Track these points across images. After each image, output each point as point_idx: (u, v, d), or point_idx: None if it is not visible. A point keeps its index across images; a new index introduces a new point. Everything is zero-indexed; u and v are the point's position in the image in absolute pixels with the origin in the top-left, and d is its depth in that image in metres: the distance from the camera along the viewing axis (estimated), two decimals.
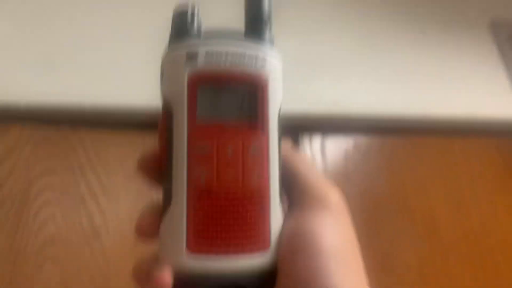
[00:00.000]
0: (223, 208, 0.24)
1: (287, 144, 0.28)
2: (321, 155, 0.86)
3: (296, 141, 0.86)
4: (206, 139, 0.25)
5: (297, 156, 0.28)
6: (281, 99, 0.27)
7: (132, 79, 0.73)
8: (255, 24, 0.27)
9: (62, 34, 0.73)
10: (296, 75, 0.85)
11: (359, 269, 0.27)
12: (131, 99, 0.72)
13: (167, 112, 0.26)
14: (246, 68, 0.25)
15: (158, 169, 0.26)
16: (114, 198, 0.67)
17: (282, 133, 0.27)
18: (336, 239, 0.25)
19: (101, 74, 0.72)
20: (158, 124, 0.27)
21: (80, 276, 0.61)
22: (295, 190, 0.27)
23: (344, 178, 0.85)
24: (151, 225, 0.25)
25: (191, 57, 0.25)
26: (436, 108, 0.95)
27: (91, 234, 0.64)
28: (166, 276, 0.23)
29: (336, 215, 0.26)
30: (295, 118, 0.84)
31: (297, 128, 0.88)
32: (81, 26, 0.74)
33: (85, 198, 0.66)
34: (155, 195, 0.27)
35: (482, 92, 1.02)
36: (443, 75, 1.00)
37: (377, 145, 0.91)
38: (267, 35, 0.27)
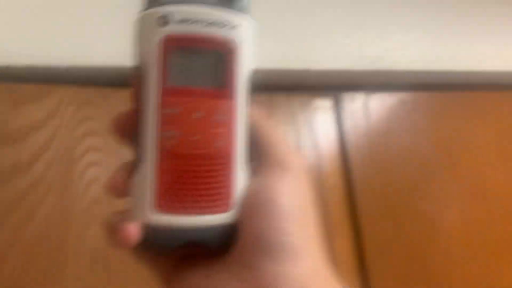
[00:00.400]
0: (189, 169, 0.26)
1: (259, 110, 0.29)
2: (363, 113, 0.83)
3: (336, 101, 0.84)
4: (175, 102, 0.26)
5: (266, 122, 0.29)
6: (252, 66, 0.27)
7: None
8: None
9: None
10: (337, 29, 0.82)
11: (314, 228, 0.27)
12: None
13: (140, 73, 0.26)
14: (217, 33, 0.26)
15: (129, 129, 0.28)
16: None
17: (252, 98, 0.28)
18: (293, 200, 0.26)
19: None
20: (132, 84, 0.28)
21: None
22: (260, 154, 0.28)
23: (387, 136, 0.83)
24: (122, 183, 0.27)
25: (164, 20, 0.25)
26: (483, 62, 0.90)
27: None
28: (134, 228, 0.25)
29: (296, 178, 0.27)
30: (336, 75, 0.82)
31: (338, 87, 0.85)
32: None
33: (127, 158, 0.66)
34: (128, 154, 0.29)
35: None
36: (491, 27, 0.94)
37: (422, 102, 0.87)
38: (240, 2, 0.27)
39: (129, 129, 0.28)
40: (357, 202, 0.77)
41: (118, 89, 0.69)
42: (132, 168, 0.27)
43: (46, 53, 0.67)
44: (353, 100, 0.83)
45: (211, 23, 0.25)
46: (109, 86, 0.69)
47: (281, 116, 0.79)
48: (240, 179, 0.27)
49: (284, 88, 0.82)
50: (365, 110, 0.84)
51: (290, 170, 0.27)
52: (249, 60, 0.27)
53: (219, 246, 0.26)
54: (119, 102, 0.66)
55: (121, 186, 0.27)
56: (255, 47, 0.27)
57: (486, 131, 0.88)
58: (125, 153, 0.64)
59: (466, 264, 0.78)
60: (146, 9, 0.26)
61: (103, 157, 0.65)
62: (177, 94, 0.26)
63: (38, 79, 0.68)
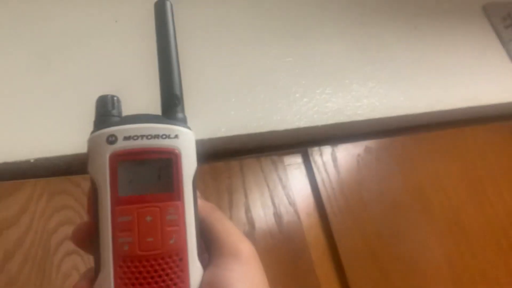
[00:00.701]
0: (145, 270, 0.27)
1: (206, 204, 0.32)
2: (333, 165, 0.85)
3: (305, 156, 0.86)
4: (127, 210, 0.28)
5: (216, 214, 0.32)
6: (195, 166, 0.31)
7: None
8: (169, 107, 0.31)
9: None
10: (296, 90, 0.85)
11: None
12: None
13: (93, 188, 0.29)
14: (160, 145, 0.29)
15: (88, 239, 0.29)
16: None
17: (196, 197, 0.31)
18: (246, 286, 0.28)
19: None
20: (87, 198, 0.31)
21: None
22: (212, 246, 0.30)
23: (359, 184, 0.85)
24: None
25: (111, 139, 0.28)
26: (441, 101, 0.94)
27: None
28: None
29: (247, 266, 0.29)
30: (302, 133, 0.84)
31: (305, 143, 0.87)
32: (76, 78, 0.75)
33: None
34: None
35: (486, 77, 1.01)
36: (443, 67, 1.00)
37: (388, 147, 0.90)
38: (179, 114, 0.31)
39: (88, 239, 0.29)
40: (340, 253, 0.78)
41: (87, 176, 0.70)
42: (92, 275, 0.28)
43: (12, 149, 0.68)
44: (321, 154, 0.86)
45: (154, 136, 0.29)
46: (79, 174, 0.70)
47: (253, 177, 0.80)
48: (195, 272, 0.29)
49: (254, 150, 0.85)
50: (334, 161, 0.86)
51: (242, 259, 0.29)
52: (191, 163, 0.30)
53: None
54: None
55: None
56: (195, 152, 0.30)
57: (452, 166, 0.91)
58: None
59: None
60: (97, 130, 0.30)
61: None
62: (129, 203, 0.28)
63: (7, 176, 0.68)
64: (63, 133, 0.70)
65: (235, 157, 0.83)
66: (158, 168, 0.29)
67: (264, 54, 0.87)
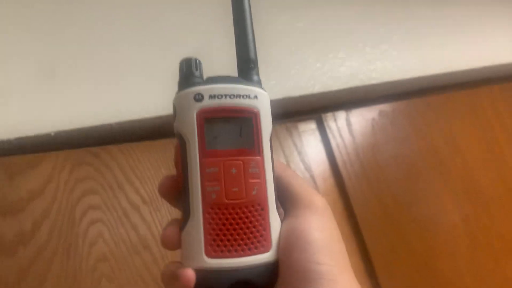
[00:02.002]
0: (231, 217, 0.30)
1: (279, 162, 0.34)
2: (348, 130, 0.85)
3: (319, 122, 0.86)
4: (214, 162, 0.31)
5: (289, 171, 0.35)
6: (271, 126, 0.33)
7: (147, 92, 0.75)
8: (245, 70, 0.34)
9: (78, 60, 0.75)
10: (309, 55, 0.85)
11: (343, 256, 0.31)
12: (152, 111, 0.73)
13: (181, 142, 0.32)
14: (241, 104, 0.32)
15: (175, 191, 0.32)
16: (155, 207, 0.69)
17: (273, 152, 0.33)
18: (323, 235, 0.30)
19: (120, 91, 0.74)
20: (174, 153, 0.33)
21: (137, 287, 0.64)
22: (288, 200, 0.33)
23: (374, 148, 0.85)
24: (173, 237, 0.31)
25: (198, 98, 0.31)
26: (455, 62, 0.93)
27: (140, 245, 0.66)
28: (190, 273, 0.29)
29: (322, 216, 0.32)
30: (316, 98, 0.84)
31: (319, 109, 0.87)
32: (97, 50, 0.76)
33: (128, 212, 0.67)
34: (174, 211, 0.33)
35: (501, 36, 0.99)
36: (457, 26, 0.98)
37: (403, 110, 0.90)
38: (255, 77, 0.34)
39: (173, 191, 0.32)
40: (357, 216, 0.79)
41: (106, 146, 0.71)
42: (180, 223, 0.31)
43: (32, 123, 0.69)
44: (335, 119, 0.86)
45: (236, 96, 0.31)
46: (97, 145, 0.71)
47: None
48: (274, 221, 0.31)
49: None
50: (349, 126, 0.86)
51: (317, 210, 0.32)
52: (268, 122, 0.33)
53: (264, 282, 0.30)
54: (110, 158, 0.69)
55: (173, 238, 0.31)
56: (270, 112, 0.33)
57: (469, 128, 0.91)
58: (124, 207, 0.66)
59: (473, 261, 0.79)
60: (182, 89, 0.32)
61: (103, 214, 0.67)
62: (215, 156, 0.31)
63: (29, 149, 0.70)
64: (81, 105, 0.71)
65: None
66: (240, 125, 0.32)
67: (275, 20, 0.86)
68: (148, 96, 0.75)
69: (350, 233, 0.79)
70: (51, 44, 0.74)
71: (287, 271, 0.30)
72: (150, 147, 0.73)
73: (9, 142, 0.68)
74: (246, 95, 0.32)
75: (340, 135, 0.85)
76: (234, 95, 0.31)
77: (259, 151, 0.32)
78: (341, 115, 0.87)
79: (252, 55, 0.34)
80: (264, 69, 0.80)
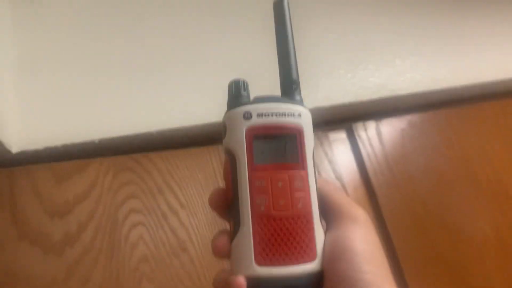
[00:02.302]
0: (279, 228, 0.32)
1: (322, 177, 0.34)
2: (378, 139, 0.87)
3: (350, 132, 0.88)
4: (262, 176, 0.32)
5: (330, 186, 0.36)
6: (313, 142, 0.35)
7: (190, 102, 0.78)
8: (288, 90, 0.36)
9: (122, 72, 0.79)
10: (339, 66, 0.87)
11: (385, 266, 0.32)
12: (190, 120, 0.77)
13: (231, 157, 0.34)
14: (287, 121, 0.34)
15: (224, 203, 0.34)
16: (193, 211, 0.72)
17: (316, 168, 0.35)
18: (365, 246, 0.32)
19: (159, 101, 0.78)
20: (223, 168, 0.35)
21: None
22: (330, 212, 0.34)
23: (404, 158, 0.86)
24: (223, 246, 0.33)
25: (247, 116, 0.33)
26: (484, 73, 0.94)
27: (178, 248, 0.69)
28: (242, 280, 0.30)
29: (364, 228, 0.33)
30: (346, 108, 0.87)
31: (349, 118, 0.89)
32: (138, 61, 0.80)
33: (167, 215, 0.71)
34: (224, 223, 0.35)
35: None
36: (486, 39, 0.99)
37: (432, 120, 0.91)
38: (297, 96, 0.36)
39: (222, 203, 0.34)
40: (388, 225, 0.80)
41: (147, 154, 0.75)
42: (230, 233, 0.33)
43: (78, 131, 0.73)
44: (365, 129, 0.88)
45: (282, 114, 0.33)
46: (138, 152, 0.75)
47: None
48: (319, 233, 0.33)
49: None
50: (379, 136, 0.88)
51: (359, 222, 0.33)
52: (311, 138, 0.35)
53: None
54: (151, 165, 0.72)
55: (224, 247, 0.33)
56: (312, 129, 0.35)
57: (498, 139, 0.91)
58: (163, 211, 0.69)
59: (504, 271, 0.79)
60: (232, 108, 0.35)
61: (143, 217, 0.70)
62: (263, 170, 0.33)
63: (75, 155, 0.74)
64: (123, 113, 0.75)
65: None
66: (285, 141, 0.34)
67: (308, 30, 0.89)
68: (187, 107, 0.78)
69: (380, 241, 0.80)
70: (101, 53, 0.79)
71: (333, 280, 0.31)
72: (187, 154, 0.76)
73: (56, 148, 0.72)
74: (291, 113, 0.34)
75: (371, 144, 0.86)
76: (279, 113, 0.33)
77: (303, 165, 0.33)
78: (371, 125, 0.89)
79: (294, 76, 0.37)
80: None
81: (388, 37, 0.92)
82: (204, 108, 0.77)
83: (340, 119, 0.89)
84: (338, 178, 0.83)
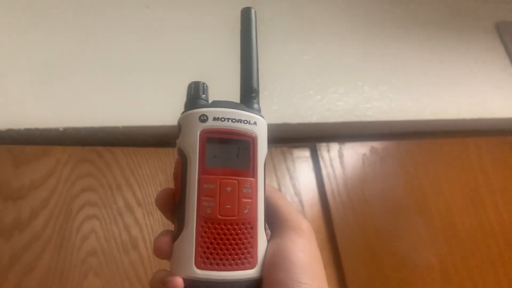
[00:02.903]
0: (222, 233, 0.32)
1: (269, 185, 0.36)
2: (339, 161, 0.90)
3: (313, 151, 0.91)
4: (211, 179, 0.33)
5: (278, 194, 0.37)
6: (266, 151, 0.36)
7: (156, 102, 0.79)
8: (248, 98, 0.36)
9: (94, 67, 0.79)
10: (310, 87, 0.90)
11: (322, 279, 0.33)
12: (157, 120, 0.78)
13: (183, 158, 0.34)
14: (242, 128, 0.34)
15: (171, 203, 0.34)
16: (149, 210, 0.72)
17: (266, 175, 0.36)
18: (304, 257, 0.32)
19: (129, 98, 0.78)
20: (174, 167, 0.35)
21: (122, 285, 0.66)
22: (276, 221, 0.35)
23: (362, 182, 0.89)
24: (165, 246, 0.33)
25: (202, 118, 0.33)
26: (447, 110, 0.98)
27: (130, 245, 0.69)
28: (179, 281, 0.31)
29: (306, 240, 0.34)
30: (312, 128, 0.89)
31: (314, 138, 0.92)
32: (109, 58, 0.80)
33: (122, 211, 0.71)
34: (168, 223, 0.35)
35: (492, 93, 1.05)
36: (453, 78, 1.04)
37: (393, 149, 0.95)
38: (255, 105, 0.36)
39: (168, 202, 0.34)
40: (339, 244, 0.82)
41: (110, 148, 0.75)
42: (174, 233, 0.33)
43: (43, 117, 0.73)
44: (328, 150, 0.91)
45: (238, 120, 0.34)
46: (102, 145, 0.75)
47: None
48: (262, 240, 0.34)
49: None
50: (340, 158, 0.90)
51: (302, 233, 0.34)
52: (264, 147, 0.35)
53: None
54: (113, 159, 0.72)
55: (165, 248, 0.33)
56: (266, 138, 0.36)
57: (453, 174, 0.95)
58: (119, 207, 0.69)
59: None
60: (189, 109, 0.35)
61: (98, 211, 0.70)
62: (213, 173, 0.33)
63: (36, 141, 0.73)
64: (92, 105, 0.75)
65: None
66: (238, 147, 0.34)
67: (283, 50, 0.91)
68: (155, 106, 0.79)
69: (330, 261, 0.83)
70: (77, 46, 0.79)
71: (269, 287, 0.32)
72: (151, 153, 0.77)
73: (18, 132, 0.71)
74: (247, 121, 0.34)
75: (332, 165, 0.89)
76: (235, 120, 0.34)
77: (253, 173, 0.34)
78: (334, 147, 0.91)
79: (255, 85, 0.37)
80: (267, 94, 0.85)
81: (360, 64, 0.96)
82: (172, 109, 0.78)
83: (306, 137, 0.92)
84: (297, 193, 0.85)
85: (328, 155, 0.90)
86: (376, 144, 0.94)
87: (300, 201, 0.84)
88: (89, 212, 0.69)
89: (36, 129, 0.72)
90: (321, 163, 0.89)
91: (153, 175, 0.75)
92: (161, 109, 0.78)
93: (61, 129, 0.72)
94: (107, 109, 0.75)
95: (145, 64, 0.81)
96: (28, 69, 0.76)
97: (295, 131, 0.88)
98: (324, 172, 0.88)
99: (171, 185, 0.36)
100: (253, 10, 0.39)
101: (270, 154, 0.87)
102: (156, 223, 0.71)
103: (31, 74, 0.76)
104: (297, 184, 0.86)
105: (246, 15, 0.39)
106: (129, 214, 0.71)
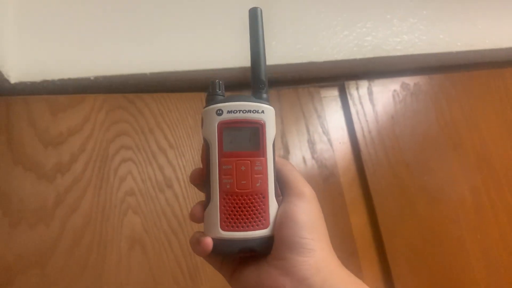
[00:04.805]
0: (240, 202, 0.40)
1: (281, 159, 0.44)
2: (368, 98, 0.89)
3: (342, 89, 0.90)
4: (229, 161, 0.40)
5: (288, 166, 0.44)
6: (274, 134, 0.42)
7: (183, 48, 0.80)
8: (257, 89, 0.43)
9: (123, 16, 0.80)
10: (337, 23, 0.88)
11: (323, 233, 0.40)
12: (184, 65, 0.79)
13: (206, 144, 0.41)
14: (251, 117, 0.41)
15: (200, 180, 0.43)
16: (180, 151, 0.75)
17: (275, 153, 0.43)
18: (306, 217, 0.40)
19: (157, 45, 0.79)
20: (201, 152, 0.43)
21: (159, 221, 0.70)
22: (285, 189, 0.43)
23: (392, 118, 0.88)
24: (199, 213, 0.41)
25: (219, 112, 0.41)
26: (482, 40, 0.94)
27: (164, 184, 0.72)
28: (209, 240, 0.39)
29: (307, 203, 0.41)
30: (339, 65, 0.88)
31: (342, 76, 0.91)
32: (138, 4, 0.81)
33: (156, 154, 0.74)
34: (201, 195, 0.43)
35: None
36: (487, 6, 0.98)
37: (425, 84, 0.92)
38: (264, 95, 0.43)
39: (200, 179, 0.43)
40: (369, 180, 0.83)
41: (140, 94, 0.77)
42: (204, 204, 0.42)
43: (74, 67, 0.75)
44: (357, 87, 0.89)
45: (247, 111, 0.41)
46: (133, 92, 0.77)
47: (290, 106, 0.85)
48: (273, 206, 0.41)
49: (292, 81, 0.89)
50: (370, 95, 0.89)
51: (304, 198, 0.41)
52: (272, 130, 0.42)
53: (263, 250, 0.40)
54: (143, 105, 0.75)
55: (198, 215, 0.41)
56: (274, 123, 0.42)
57: (488, 107, 0.93)
58: (152, 150, 0.72)
59: (478, 231, 0.82)
60: (209, 105, 0.42)
61: (133, 154, 0.73)
62: (230, 156, 0.41)
63: (70, 90, 0.76)
64: (119, 54, 0.77)
65: (273, 86, 0.88)
66: (249, 133, 0.41)
67: None
68: (181, 52, 0.80)
69: (360, 198, 0.84)
70: None
71: (279, 242, 0.39)
72: (180, 98, 0.79)
73: (53, 82, 0.75)
74: (255, 110, 0.41)
75: (361, 103, 0.88)
76: (245, 110, 0.41)
77: (263, 153, 0.41)
78: (363, 84, 0.90)
79: (262, 77, 0.43)
80: (291, 32, 0.84)
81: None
82: (199, 53, 0.79)
83: (333, 76, 0.91)
84: (325, 132, 0.85)
85: (357, 92, 0.89)
86: (407, 79, 0.92)
87: (329, 140, 0.85)
88: (124, 155, 0.73)
89: (69, 79, 0.75)
90: (350, 101, 0.88)
91: (183, 118, 0.77)
92: (187, 54, 0.79)
93: (92, 78, 0.75)
94: (135, 56, 0.77)
95: (174, 9, 0.81)
96: (57, 22, 0.78)
97: (321, 69, 0.87)
98: (353, 110, 0.88)
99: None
100: (259, 10, 0.45)
101: (296, 95, 0.87)
102: (188, 163, 0.74)
103: (61, 27, 0.78)
104: (325, 123, 0.86)
105: (253, 15, 0.45)
106: (162, 156, 0.74)
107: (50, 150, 0.70)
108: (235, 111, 0.41)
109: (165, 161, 0.74)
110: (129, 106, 0.76)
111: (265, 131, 0.41)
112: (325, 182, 0.82)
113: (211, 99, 0.43)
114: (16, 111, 0.71)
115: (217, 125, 0.41)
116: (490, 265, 0.80)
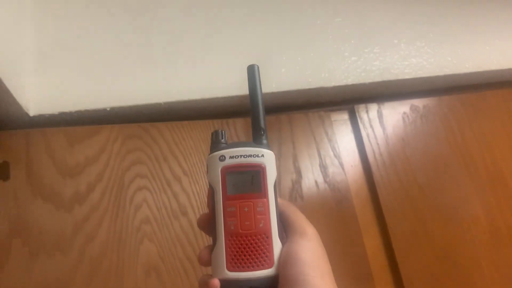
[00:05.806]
0: (245, 243, 0.42)
1: (284, 201, 0.47)
2: (379, 121, 0.90)
3: (352, 113, 0.91)
4: (232, 203, 0.43)
5: (291, 208, 0.46)
6: (275, 176, 0.45)
7: (196, 77, 0.82)
8: (257, 136, 0.46)
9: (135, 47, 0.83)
10: (345, 49, 0.90)
11: (328, 273, 0.42)
12: (197, 94, 0.81)
13: (211, 189, 0.44)
14: (252, 161, 0.44)
15: (207, 224, 0.45)
16: (194, 178, 0.76)
17: (277, 194, 0.45)
18: (310, 255, 0.41)
19: (170, 76, 0.82)
20: (206, 197, 0.45)
21: (175, 248, 0.71)
22: (288, 229, 0.45)
23: (403, 141, 0.89)
24: (206, 257, 0.43)
25: (221, 158, 0.44)
26: (489, 61, 0.95)
27: (179, 211, 0.74)
28: (216, 282, 0.41)
29: (310, 241, 0.43)
30: (349, 90, 0.89)
31: (352, 100, 0.92)
32: (151, 38, 0.84)
33: (170, 181, 0.75)
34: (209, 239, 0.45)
35: None
36: (492, 27, 0.99)
37: (434, 106, 0.93)
38: (264, 140, 0.46)
39: (207, 223, 0.45)
40: (382, 204, 0.83)
41: (155, 123, 0.79)
42: (211, 247, 0.44)
43: (91, 99, 0.78)
44: (367, 111, 0.91)
45: (248, 156, 0.44)
46: (147, 121, 0.79)
47: (301, 131, 0.86)
48: (276, 245, 0.43)
49: (302, 106, 0.91)
50: (380, 118, 0.90)
51: (307, 237, 0.43)
52: (272, 173, 0.45)
53: None
54: (158, 134, 0.77)
55: (206, 258, 0.43)
56: (275, 166, 0.45)
57: (499, 127, 0.93)
58: (167, 177, 0.73)
59: (492, 253, 0.82)
60: (212, 152, 0.45)
61: (148, 182, 0.75)
62: (233, 198, 0.43)
63: (86, 121, 0.79)
64: (134, 85, 0.79)
65: (284, 112, 0.89)
66: (251, 176, 0.44)
67: (315, 15, 0.91)
68: (194, 81, 0.82)
69: (374, 220, 0.84)
70: (117, 31, 0.83)
71: (283, 281, 0.41)
72: (193, 126, 0.81)
73: (70, 114, 0.77)
74: (256, 155, 0.44)
75: (371, 126, 0.89)
76: (246, 155, 0.44)
77: (265, 194, 0.44)
78: (373, 107, 0.91)
79: (262, 124, 0.47)
80: (300, 60, 0.86)
81: (394, 21, 0.94)
82: (209, 83, 0.81)
83: (343, 100, 0.92)
84: (337, 156, 0.86)
85: (367, 115, 0.90)
86: (416, 102, 0.93)
87: (341, 164, 0.86)
88: (140, 183, 0.74)
89: (86, 111, 0.77)
90: (360, 125, 0.89)
91: (196, 146, 0.79)
92: (199, 84, 0.81)
93: (108, 109, 0.77)
94: (149, 87, 0.79)
95: (187, 41, 0.84)
96: (74, 56, 0.81)
97: (331, 94, 0.89)
98: (363, 133, 0.89)
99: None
100: (256, 66, 0.49)
101: (307, 120, 0.88)
102: (202, 190, 0.76)
103: (78, 61, 0.81)
104: (336, 146, 0.87)
105: (251, 71, 0.49)
106: (176, 183, 0.75)
107: (68, 180, 0.72)
108: (236, 156, 0.43)
109: (180, 189, 0.75)
110: (144, 135, 0.78)
111: (265, 173, 0.44)
112: (338, 205, 0.82)
113: (214, 147, 0.45)
114: (35, 143, 0.73)
115: (221, 170, 0.43)
116: (506, 285, 0.79)
